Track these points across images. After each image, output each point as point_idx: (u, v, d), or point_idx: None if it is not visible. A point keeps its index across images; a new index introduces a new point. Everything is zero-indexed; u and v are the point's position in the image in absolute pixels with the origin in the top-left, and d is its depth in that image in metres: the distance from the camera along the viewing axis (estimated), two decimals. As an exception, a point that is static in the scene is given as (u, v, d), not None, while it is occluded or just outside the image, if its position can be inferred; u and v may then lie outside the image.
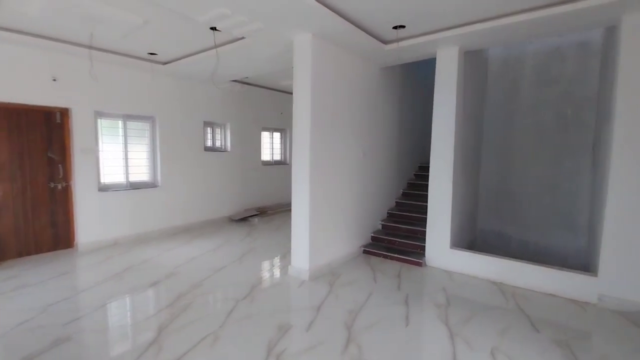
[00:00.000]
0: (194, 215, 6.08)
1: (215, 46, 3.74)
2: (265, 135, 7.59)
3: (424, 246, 4.21)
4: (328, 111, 3.74)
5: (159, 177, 5.56)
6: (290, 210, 7.69)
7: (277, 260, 4.31)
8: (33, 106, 4.24)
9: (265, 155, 7.64)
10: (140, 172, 5.43)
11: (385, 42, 3.74)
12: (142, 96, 5.23)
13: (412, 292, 3.39)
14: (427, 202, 4.28)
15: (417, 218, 4.87)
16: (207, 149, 6.32)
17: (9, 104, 4.04)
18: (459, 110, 3.96)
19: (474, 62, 4.38)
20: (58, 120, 4.48)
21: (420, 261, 4.05)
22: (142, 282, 3.57)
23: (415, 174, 6.04)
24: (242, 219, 6.61)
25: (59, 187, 4.53)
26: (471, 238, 5.09)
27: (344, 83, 3.95)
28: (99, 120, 4.85)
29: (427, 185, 5.50)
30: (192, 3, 2.77)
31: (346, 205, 4.21)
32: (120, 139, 5.15)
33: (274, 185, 7.81)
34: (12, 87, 4.00)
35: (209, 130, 6.42)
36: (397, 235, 4.72)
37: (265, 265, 4.19)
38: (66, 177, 4.58)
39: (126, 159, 5.20)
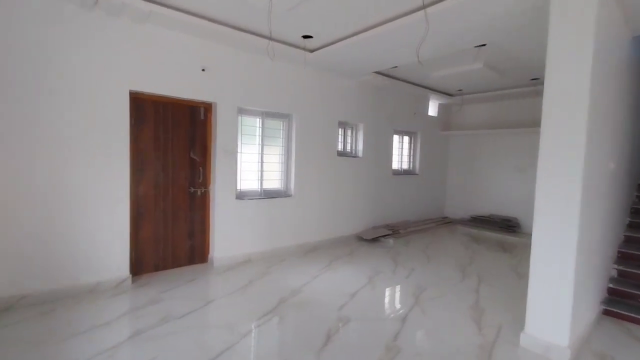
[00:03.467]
0: (324, 231, 5.18)
1: (424, 6, 2.67)
2: (394, 140, 6.45)
3: None
4: (601, 101, 2.38)
5: (292, 185, 4.77)
6: (423, 230, 6.40)
7: (476, 315, 3.03)
8: (180, 100, 3.71)
9: (394, 163, 6.49)
10: (273, 178, 4.70)
11: None
12: (281, 91, 4.49)
13: None
14: None
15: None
16: (339, 154, 5.41)
17: (157, 96, 3.55)
18: None
19: None
20: (202, 117, 3.92)
21: None
22: (313, 334, 2.61)
23: (638, 196, 4.26)
24: (374, 239, 5.52)
25: (198, 192, 3.95)
26: None
27: (605, 56, 2.56)
28: (239, 118, 4.22)
29: None
30: None
31: (597, 244, 2.77)
32: (257, 139, 4.47)
33: (404, 199, 6.61)
34: (161, 78, 3.49)
35: (340, 131, 5.51)
36: (655, 290, 3.08)
37: (465, 322, 2.92)
38: (206, 181, 4.00)
39: (261, 162, 4.50)
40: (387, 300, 3.25)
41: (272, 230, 4.52)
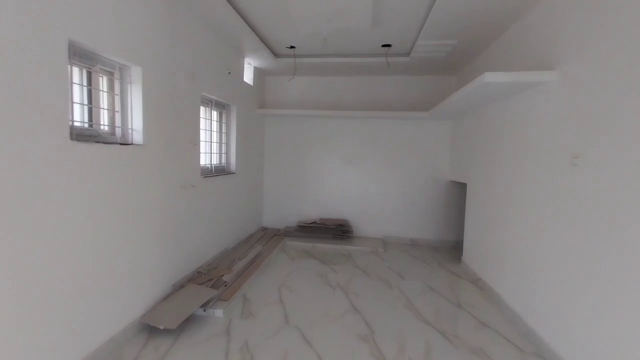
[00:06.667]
0: (65, 353, 1.71)
1: None
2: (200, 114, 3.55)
3: None
4: None
5: None
6: (254, 266, 3.45)
7: None
8: None
9: (202, 156, 3.61)
10: None
11: None
12: None
13: None
14: None
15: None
16: (78, 134, 1.99)
17: None
18: None
19: None
20: None
21: None
22: None
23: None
24: (186, 321, 2.55)
25: None
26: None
27: None
28: None
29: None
30: None
31: None
32: None
33: (219, 217, 3.90)
34: None
35: (77, 74, 2.07)
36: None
37: None
38: None
39: None
40: None
41: None
